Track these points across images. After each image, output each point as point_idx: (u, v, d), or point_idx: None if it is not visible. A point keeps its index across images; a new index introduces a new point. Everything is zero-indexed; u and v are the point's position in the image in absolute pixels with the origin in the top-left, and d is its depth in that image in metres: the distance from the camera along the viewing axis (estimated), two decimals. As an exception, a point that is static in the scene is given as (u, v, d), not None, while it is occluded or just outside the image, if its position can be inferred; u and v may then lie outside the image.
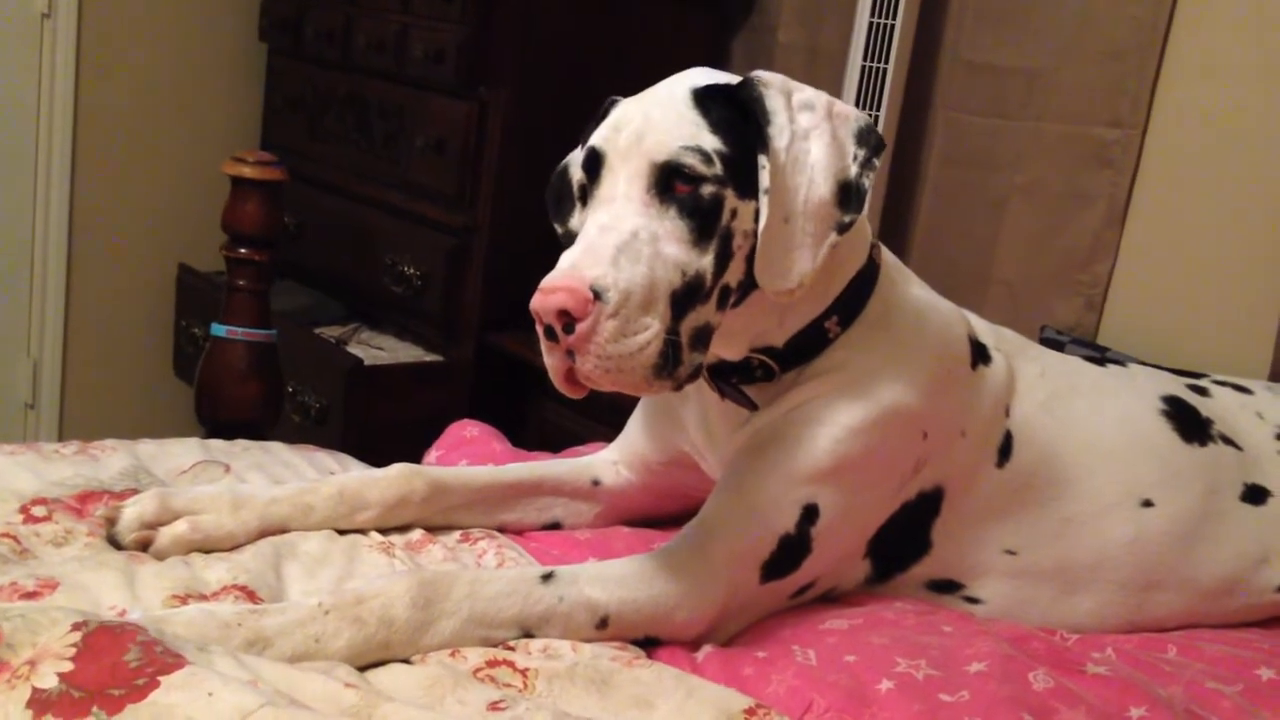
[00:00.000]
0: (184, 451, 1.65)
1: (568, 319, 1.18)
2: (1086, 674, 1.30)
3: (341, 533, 1.44)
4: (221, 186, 2.08)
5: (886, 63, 2.50)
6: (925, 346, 1.44)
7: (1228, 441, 1.61)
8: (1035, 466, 1.49)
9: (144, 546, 1.35)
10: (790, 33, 2.91)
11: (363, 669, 1.16)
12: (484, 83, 2.72)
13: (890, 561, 1.46)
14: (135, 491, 1.46)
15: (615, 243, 1.22)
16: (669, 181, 1.26)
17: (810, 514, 1.36)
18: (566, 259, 1.22)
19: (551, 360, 1.23)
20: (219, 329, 2.04)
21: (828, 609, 1.42)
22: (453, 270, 2.79)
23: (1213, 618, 1.55)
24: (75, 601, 1.18)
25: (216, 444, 1.71)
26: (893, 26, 2.49)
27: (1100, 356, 1.88)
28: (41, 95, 3.25)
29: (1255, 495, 1.58)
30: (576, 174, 1.39)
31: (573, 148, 1.46)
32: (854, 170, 1.32)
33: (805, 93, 1.34)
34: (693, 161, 1.26)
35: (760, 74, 1.34)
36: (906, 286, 1.49)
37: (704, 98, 1.31)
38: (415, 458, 1.72)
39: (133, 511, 1.37)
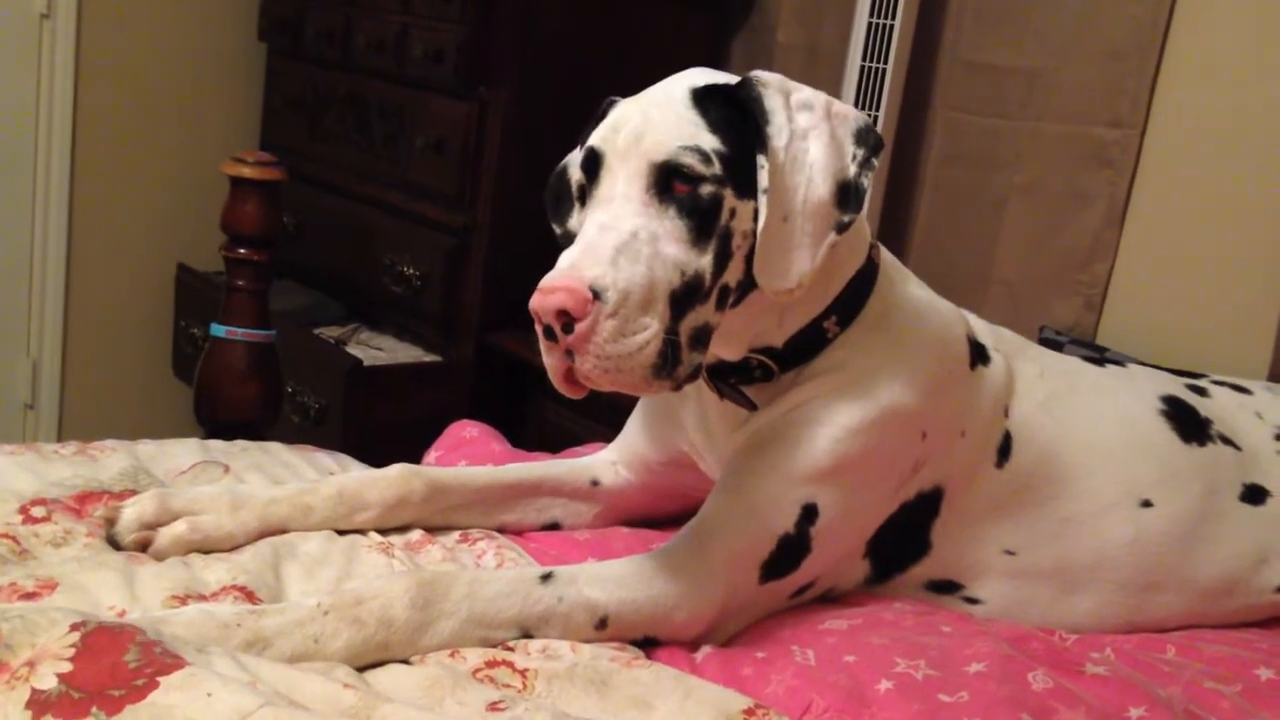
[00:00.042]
0: (183, 452, 1.65)
1: (567, 319, 1.18)
2: (1085, 674, 1.30)
3: (341, 533, 1.44)
4: (221, 186, 2.07)
5: (886, 63, 2.50)
6: (924, 347, 1.44)
7: (1227, 441, 1.61)
8: (1034, 467, 1.49)
9: (143, 547, 1.35)
10: (790, 33, 2.91)
11: (362, 669, 1.16)
12: (484, 83, 2.72)
13: (889, 562, 1.46)
14: (134, 492, 1.46)
15: (614, 243, 1.22)
16: (668, 181, 1.26)
17: (809, 514, 1.36)
18: (566, 259, 1.22)
19: (551, 360, 1.23)
20: (218, 329, 2.04)
21: (827, 609, 1.42)
22: (452, 270, 2.79)
23: (1212, 618, 1.55)
24: (74, 602, 1.18)
25: (216, 444, 1.71)
26: (892, 26, 2.49)
27: (1099, 357, 1.88)
28: (41, 96, 3.25)
29: (1254, 495, 1.58)
30: (575, 174, 1.39)
31: (572, 148, 1.46)
32: (853, 170, 1.32)
33: (804, 92, 1.34)
34: (691, 161, 1.26)
35: (758, 74, 1.34)
36: (905, 286, 1.49)
37: (703, 98, 1.31)
38: (414, 458, 1.72)
39: (132, 512, 1.37)
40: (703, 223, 1.26)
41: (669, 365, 1.23)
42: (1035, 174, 2.49)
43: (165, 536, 1.36)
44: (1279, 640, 1.51)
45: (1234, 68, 2.23)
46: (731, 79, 1.36)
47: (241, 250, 2.03)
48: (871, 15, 2.49)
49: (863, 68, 2.51)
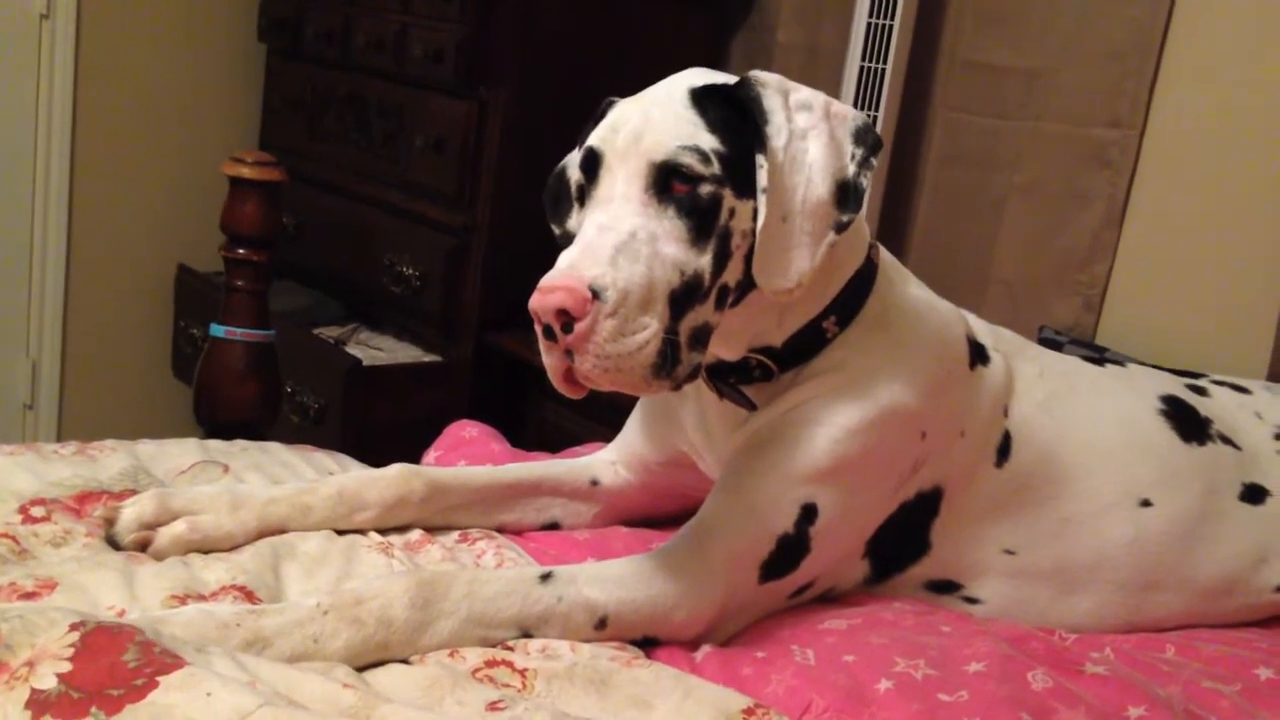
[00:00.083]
0: (182, 452, 1.65)
1: (566, 318, 1.18)
2: (1085, 674, 1.30)
3: (340, 533, 1.44)
4: (220, 187, 2.08)
5: (885, 63, 2.50)
6: (923, 346, 1.44)
7: (1226, 441, 1.61)
8: (1034, 466, 1.49)
9: (143, 547, 1.35)
10: (789, 33, 2.91)
11: (361, 669, 1.16)
12: (484, 82, 2.72)
13: (889, 561, 1.46)
14: (134, 492, 1.46)
15: (613, 242, 1.22)
16: (667, 181, 1.26)
17: (809, 514, 1.36)
18: (565, 259, 1.23)
19: (550, 360, 1.23)
20: (218, 329, 2.04)
21: (826, 609, 1.41)
22: (452, 270, 2.79)
23: (1211, 617, 1.55)
24: (74, 602, 1.18)
25: (215, 444, 1.71)
26: (891, 26, 2.49)
27: (1099, 356, 1.88)
28: (40, 96, 3.24)
29: (1254, 495, 1.58)
30: (574, 175, 1.39)
31: (572, 148, 1.46)
32: (852, 170, 1.32)
33: (803, 92, 1.34)
34: (690, 161, 1.26)
35: (757, 74, 1.34)
36: (905, 286, 1.49)
37: (702, 98, 1.31)
38: (414, 458, 1.72)
39: (131, 512, 1.37)
40: (702, 222, 1.27)
41: (668, 365, 1.23)
42: (1034, 174, 2.49)
43: (164, 536, 1.36)
44: (1278, 640, 1.51)
45: (1233, 68, 2.24)
46: (731, 79, 1.36)
47: (241, 250, 2.03)
48: (871, 15, 2.49)
49: (862, 68, 2.51)
